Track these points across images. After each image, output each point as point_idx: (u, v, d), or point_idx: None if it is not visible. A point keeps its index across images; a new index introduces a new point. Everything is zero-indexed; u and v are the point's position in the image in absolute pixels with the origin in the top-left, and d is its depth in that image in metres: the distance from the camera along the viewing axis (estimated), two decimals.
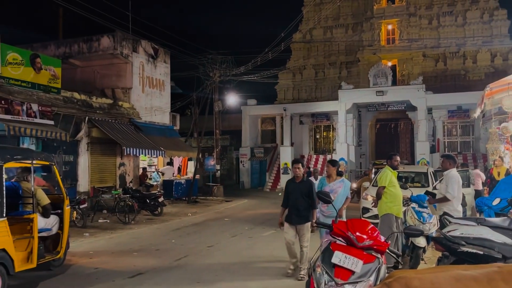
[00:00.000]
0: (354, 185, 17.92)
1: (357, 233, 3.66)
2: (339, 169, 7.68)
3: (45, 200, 6.57)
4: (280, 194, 14.01)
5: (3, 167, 5.66)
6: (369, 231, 3.72)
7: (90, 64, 18.42)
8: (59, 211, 6.92)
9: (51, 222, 6.64)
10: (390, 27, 29.01)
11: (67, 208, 6.94)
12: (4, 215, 5.52)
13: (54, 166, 6.92)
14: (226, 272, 7.15)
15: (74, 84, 17.62)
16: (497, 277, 2.12)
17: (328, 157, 27.22)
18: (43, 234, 6.49)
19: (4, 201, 5.53)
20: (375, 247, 3.64)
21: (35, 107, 13.35)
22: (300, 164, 6.66)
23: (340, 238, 3.77)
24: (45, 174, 10.92)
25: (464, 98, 22.93)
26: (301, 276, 6.44)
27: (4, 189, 5.60)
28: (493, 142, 9.26)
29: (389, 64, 27.65)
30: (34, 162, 6.31)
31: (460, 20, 27.98)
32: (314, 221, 6.41)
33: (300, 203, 6.47)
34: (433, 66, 28.18)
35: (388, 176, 6.75)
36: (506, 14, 27.12)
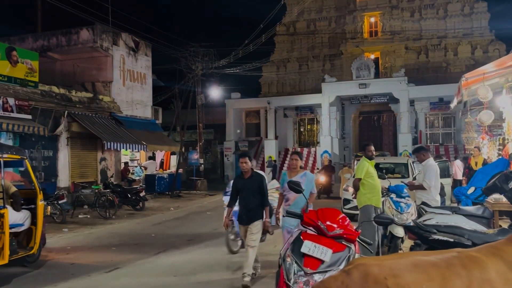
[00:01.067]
0: (322, 178, 17.42)
1: (328, 222, 3.63)
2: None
3: (11, 187, 6.46)
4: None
5: None
6: (340, 220, 3.70)
7: (69, 57, 18.10)
8: (33, 206, 6.78)
9: (23, 217, 6.50)
10: (372, 19, 29.09)
11: (40, 203, 6.79)
12: None
13: (26, 160, 6.77)
14: (204, 265, 7.10)
15: (53, 78, 17.31)
16: (456, 262, 2.10)
17: (312, 150, 27.29)
18: (15, 229, 6.35)
19: None
20: (345, 236, 3.62)
21: (11, 101, 13.06)
22: (247, 158, 5.90)
23: (311, 228, 3.75)
24: (22, 169, 10.71)
25: (445, 90, 23.07)
26: (245, 284, 5.53)
27: None
28: (468, 132, 9.36)
29: (372, 56, 27.75)
30: (4, 156, 6.15)
31: (442, 12, 28.19)
32: (267, 219, 5.79)
33: (251, 201, 5.77)
34: (415, 59, 28.37)
35: (365, 168, 6.73)
36: (486, 7, 27.38)
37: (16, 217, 6.39)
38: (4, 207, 6.00)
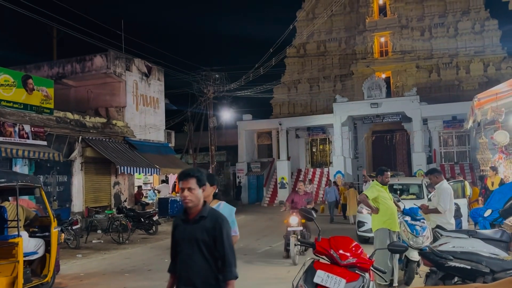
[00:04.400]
0: (294, 220, 9.30)
1: (340, 251, 3.59)
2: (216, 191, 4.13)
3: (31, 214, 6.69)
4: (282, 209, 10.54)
5: None
6: (353, 249, 3.65)
7: (83, 83, 18.46)
8: (47, 233, 6.81)
9: (36, 245, 6.54)
10: (382, 39, 29.22)
11: (54, 231, 6.83)
12: None
13: (41, 189, 6.85)
14: None
15: (68, 104, 17.64)
16: None
17: (325, 170, 27.12)
18: (29, 257, 6.38)
19: None
20: (359, 265, 3.57)
21: (27, 128, 13.31)
22: (195, 180, 3.00)
23: (323, 257, 3.70)
24: (38, 196, 10.83)
25: (458, 108, 22.93)
26: None
27: None
28: (483, 152, 9.23)
29: (383, 76, 27.78)
30: (18, 184, 6.23)
31: (452, 31, 28.21)
32: None
33: (195, 266, 2.95)
34: (427, 77, 28.30)
35: (375, 190, 6.60)
36: (497, 24, 27.35)
37: (30, 245, 6.44)
38: (18, 235, 6.05)
